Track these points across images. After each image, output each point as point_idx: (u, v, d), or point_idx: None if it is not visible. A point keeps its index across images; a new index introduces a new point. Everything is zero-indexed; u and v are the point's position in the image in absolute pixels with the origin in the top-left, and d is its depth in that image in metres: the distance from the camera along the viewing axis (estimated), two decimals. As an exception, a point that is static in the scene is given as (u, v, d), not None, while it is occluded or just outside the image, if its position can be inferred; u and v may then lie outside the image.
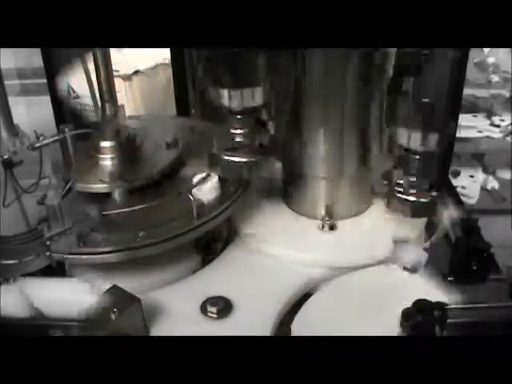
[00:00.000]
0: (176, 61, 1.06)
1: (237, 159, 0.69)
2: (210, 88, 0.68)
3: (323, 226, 0.76)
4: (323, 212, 0.76)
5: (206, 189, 0.70)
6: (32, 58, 1.24)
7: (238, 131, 0.69)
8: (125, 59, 1.23)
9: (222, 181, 0.72)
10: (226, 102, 0.67)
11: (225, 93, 0.66)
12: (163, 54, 1.19)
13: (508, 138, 1.37)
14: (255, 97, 0.67)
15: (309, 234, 0.76)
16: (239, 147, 0.69)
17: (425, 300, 0.59)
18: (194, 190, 0.69)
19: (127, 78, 1.22)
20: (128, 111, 1.16)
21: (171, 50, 1.08)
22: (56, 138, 0.70)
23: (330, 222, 0.76)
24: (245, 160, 0.69)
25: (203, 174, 0.71)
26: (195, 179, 0.71)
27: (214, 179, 0.71)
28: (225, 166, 0.70)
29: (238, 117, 0.68)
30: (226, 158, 0.69)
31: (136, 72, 1.24)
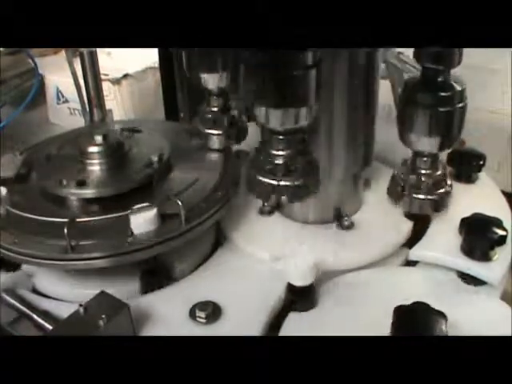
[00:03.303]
0: (164, 64, 1.06)
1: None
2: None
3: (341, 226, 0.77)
4: (311, 216, 0.77)
5: (142, 219, 0.66)
6: None
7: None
8: (114, 63, 1.23)
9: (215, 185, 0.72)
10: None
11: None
12: (152, 58, 1.19)
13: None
14: None
15: (298, 238, 0.75)
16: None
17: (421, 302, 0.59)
18: (131, 217, 0.66)
19: (116, 81, 1.22)
20: (117, 115, 1.17)
21: (160, 54, 1.08)
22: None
23: (348, 222, 0.77)
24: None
25: (143, 204, 0.67)
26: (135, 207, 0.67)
27: (153, 212, 0.67)
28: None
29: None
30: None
31: (125, 76, 1.23)
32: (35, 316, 0.64)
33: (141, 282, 0.70)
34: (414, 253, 0.74)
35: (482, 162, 0.85)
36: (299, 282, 0.65)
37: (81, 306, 0.59)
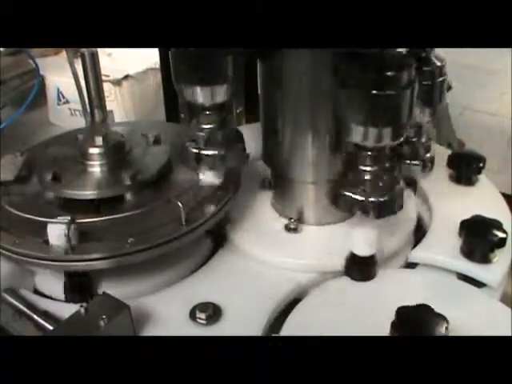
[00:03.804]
0: (165, 65, 1.06)
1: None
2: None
3: (289, 229, 0.76)
4: (310, 216, 0.77)
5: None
6: None
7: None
8: (115, 64, 1.23)
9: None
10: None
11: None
12: (153, 59, 1.19)
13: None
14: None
15: (298, 239, 0.75)
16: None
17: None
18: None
19: (117, 82, 1.22)
20: (118, 116, 1.17)
21: (160, 55, 1.08)
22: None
23: (295, 225, 0.76)
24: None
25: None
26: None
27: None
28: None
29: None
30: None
31: (126, 77, 1.23)
32: (35, 316, 0.65)
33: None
34: (414, 254, 0.74)
35: (481, 164, 0.85)
36: None
37: (81, 306, 0.59)
